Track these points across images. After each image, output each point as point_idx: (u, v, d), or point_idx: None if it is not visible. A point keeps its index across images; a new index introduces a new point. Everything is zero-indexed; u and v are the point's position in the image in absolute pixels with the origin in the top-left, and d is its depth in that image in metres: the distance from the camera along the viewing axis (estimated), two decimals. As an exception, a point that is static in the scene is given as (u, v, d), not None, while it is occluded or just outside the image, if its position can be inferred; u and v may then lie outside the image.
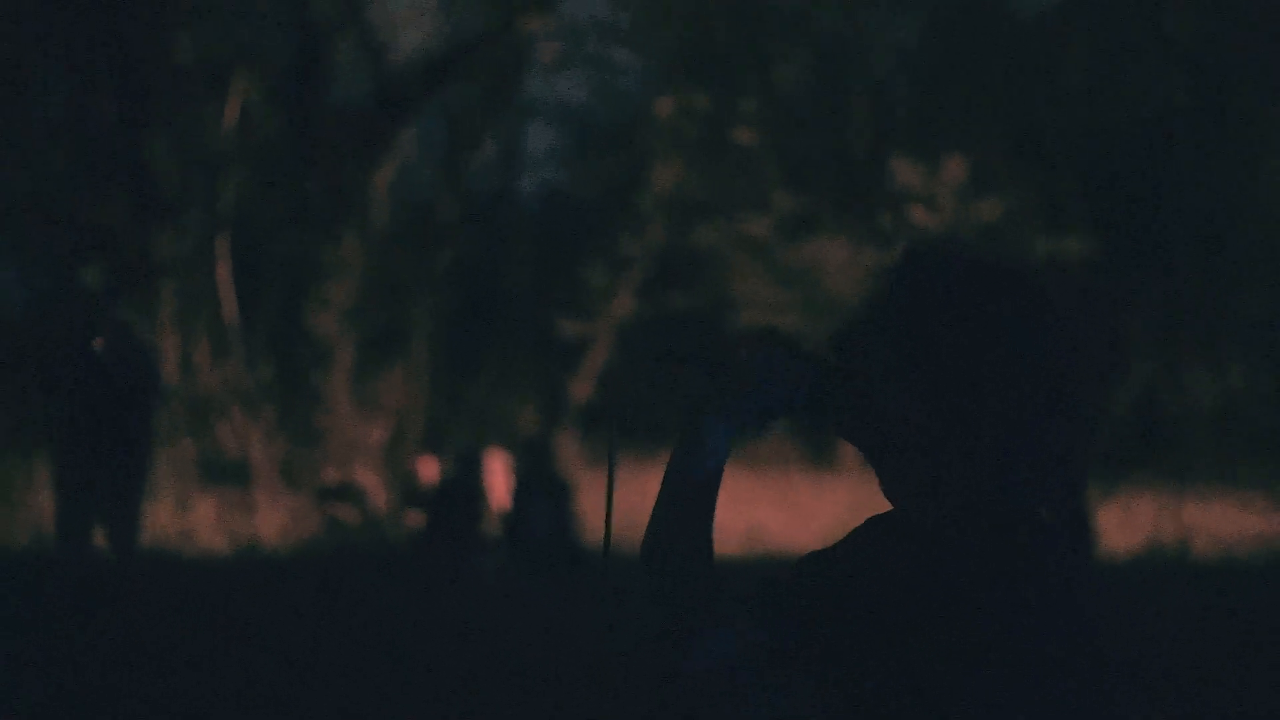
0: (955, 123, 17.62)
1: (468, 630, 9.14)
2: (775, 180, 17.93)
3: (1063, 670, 1.80)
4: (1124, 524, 13.83)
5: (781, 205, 17.85)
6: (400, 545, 13.59)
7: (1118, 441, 15.23)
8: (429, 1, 18.24)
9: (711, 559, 1.89)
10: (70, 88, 15.51)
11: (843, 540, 1.86)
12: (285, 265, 16.78)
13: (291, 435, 15.96)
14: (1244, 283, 16.86)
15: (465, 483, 13.17)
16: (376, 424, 16.70)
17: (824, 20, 18.56)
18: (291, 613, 9.84)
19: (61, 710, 6.70)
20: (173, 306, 15.53)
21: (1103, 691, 1.82)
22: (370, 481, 15.41)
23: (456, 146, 18.61)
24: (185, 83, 16.00)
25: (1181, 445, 16.23)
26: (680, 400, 1.96)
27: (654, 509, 1.92)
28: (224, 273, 15.73)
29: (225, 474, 15.17)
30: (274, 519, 14.69)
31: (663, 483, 1.92)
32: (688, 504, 1.90)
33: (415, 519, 13.28)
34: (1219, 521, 14.23)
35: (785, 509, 14.63)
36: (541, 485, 12.97)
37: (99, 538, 8.07)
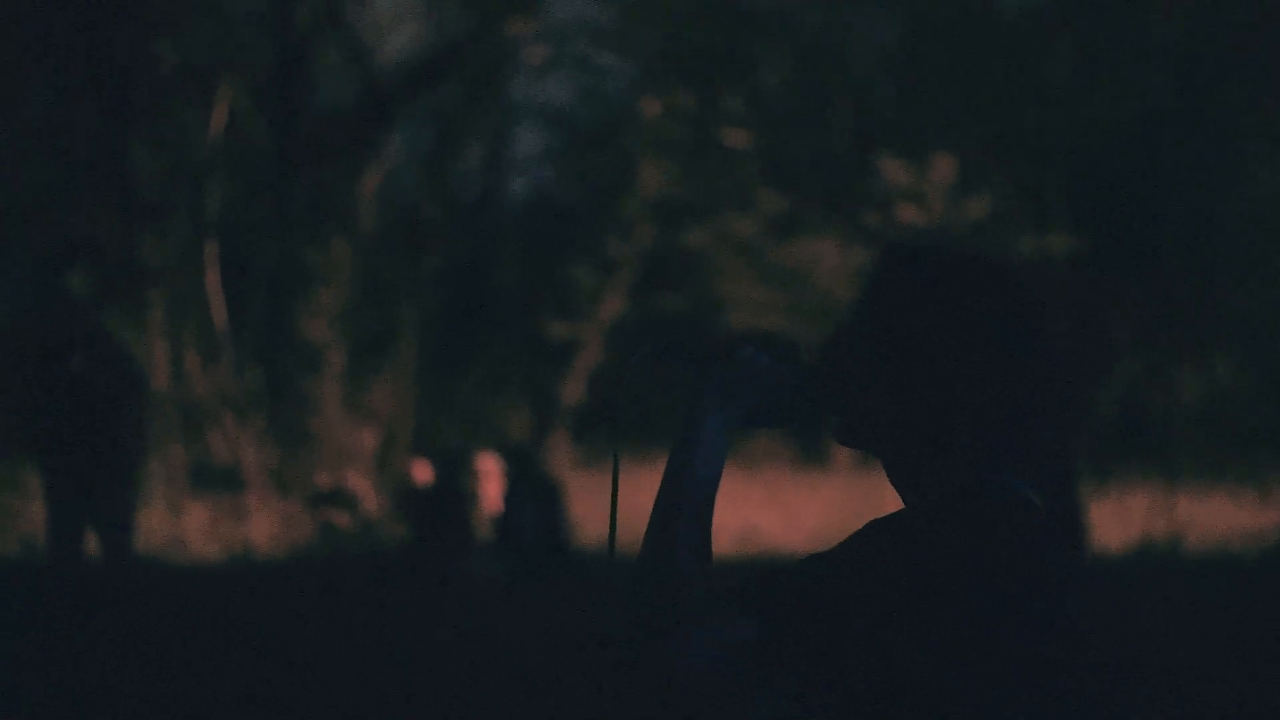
0: (942, 122, 17.64)
1: (462, 633, 9.14)
2: (762, 180, 17.94)
3: (1056, 667, 1.80)
4: (1116, 520, 13.85)
5: (769, 205, 17.86)
6: (392, 549, 13.59)
7: (1109, 437, 15.26)
8: (414, 5, 18.24)
9: (709, 560, 1.90)
10: (55, 94, 15.49)
11: (841, 543, 1.86)
12: (273, 270, 16.77)
13: (282, 440, 15.94)
14: (1233, 279, 16.89)
15: (456, 486, 13.17)
16: (367, 428, 16.69)
17: (809, 19, 18.58)
18: (285, 618, 9.83)
19: (57, 717, 6.69)
20: (161, 313, 15.51)
21: (1096, 688, 1.82)
22: (362, 486, 15.40)
23: (443, 149, 18.61)
24: (170, 88, 15.98)
25: (1172, 441, 16.25)
26: (676, 400, 1.96)
27: (653, 510, 1.93)
28: (212, 278, 15.71)
29: (216, 480, 15.15)
30: (266, 524, 14.67)
31: (662, 483, 1.93)
32: (686, 505, 1.90)
33: (407, 523, 13.29)
34: (1211, 517, 14.25)
35: (777, 508, 14.64)
36: (533, 487, 12.97)
37: (90, 545, 8.06)
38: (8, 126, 15.46)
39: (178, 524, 14.26)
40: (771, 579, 1.83)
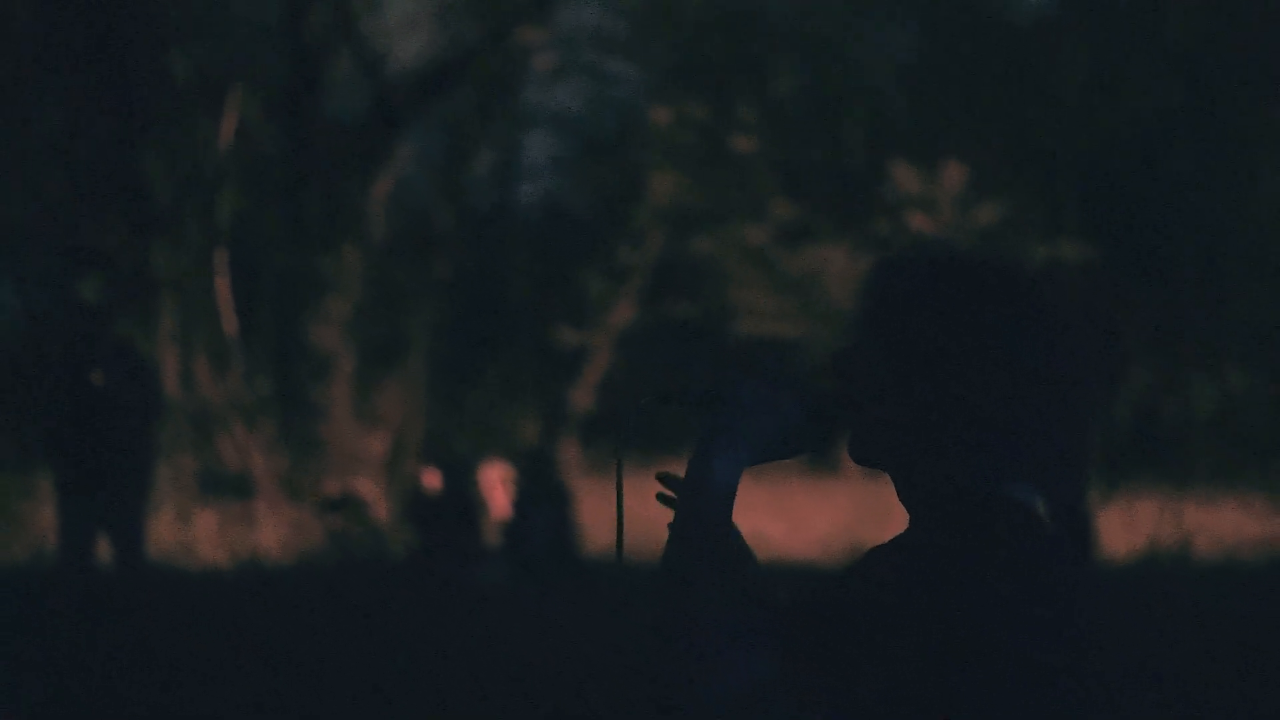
0: (953, 129, 17.64)
1: (470, 640, 9.15)
2: (773, 188, 17.95)
3: (1065, 677, 1.79)
4: (1125, 526, 13.83)
5: (779, 213, 17.86)
6: (401, 556, 13.60)
7: (1119, 444, 15.24)
8: (425, 13, 18.27)
9: (728, 589, 1.87)
10: (67, 104, 15.53)
11: (849, 568, 1.86)
12: (284, 278, 16.80)
13: (292, 447, 15.97)
14: (1244, 285, 16.88)
15: (465, 493, 13.19)
16: (377, 435, 16.71)
17: (820, 27, 18.59)
18: (294, 624, 9.84)
19: (65, 724, 6.71)
20: (172, 321, 15.55)
21: (1104, 696, 1.82)
22: (371, 492, 15.42)
23: (454, 158, 18.63)
24: (182, 98, 16.02)
25: (1182, 448, 16.23)
26: (686, 420, 1.96)
27: (666, 544, 1.92)
28: (223, 286, 15.74)
29: (226, 486, 15.18)
30: (275, 531, 14.68)
31: (674, 518, 1.92)
32: (699, 538, 1.89)
33: (416, 529, 13.30)
34: (1220, 524, 14.23)
35: (785, 516, 14.63)
36: (542, 494, 12.98)
37: (101, 551, 8.08)
38: (21, 136, 15.51)
39: (188, 530, 14.29)
40: (789, 616, 1.82)
